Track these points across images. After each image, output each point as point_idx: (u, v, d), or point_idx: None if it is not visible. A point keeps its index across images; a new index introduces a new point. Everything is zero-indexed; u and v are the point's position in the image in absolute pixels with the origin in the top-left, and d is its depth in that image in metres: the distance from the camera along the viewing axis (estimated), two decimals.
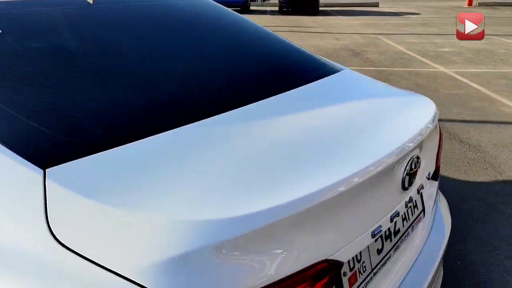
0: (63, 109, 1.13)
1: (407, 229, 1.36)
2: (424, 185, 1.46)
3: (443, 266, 1.81)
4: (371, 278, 1.18)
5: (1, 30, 1.32)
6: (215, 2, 2.14)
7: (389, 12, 19.94)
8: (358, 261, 1.13)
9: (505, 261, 2.53)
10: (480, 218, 2.97)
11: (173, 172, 0.97)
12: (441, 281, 1.66)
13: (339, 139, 1.24)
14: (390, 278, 1.27)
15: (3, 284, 0.82)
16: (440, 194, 1.91)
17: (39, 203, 0.85)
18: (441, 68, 7.91)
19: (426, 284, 1.34)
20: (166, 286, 0.76)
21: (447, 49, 9.86)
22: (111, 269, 0.78)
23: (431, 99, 1.68)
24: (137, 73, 1.39)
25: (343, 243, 1.04)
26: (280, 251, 0.89)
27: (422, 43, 10.87)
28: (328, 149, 1.16)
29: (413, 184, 1.29)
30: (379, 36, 12.16)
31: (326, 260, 0.96)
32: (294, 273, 0.89)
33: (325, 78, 1.69)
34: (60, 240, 0.82)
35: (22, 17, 1.46)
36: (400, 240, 1.33)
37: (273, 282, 0.86)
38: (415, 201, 1.42)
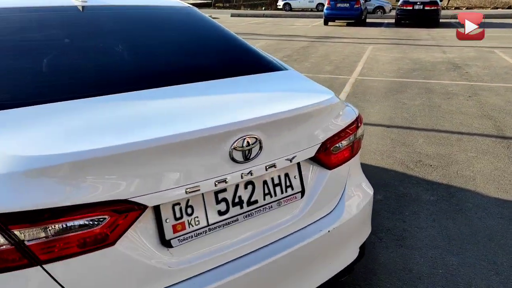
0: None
1: (264, 198, 1.52)
2: (295, 169, 1.60)
3: None
4: (205, 232, 1.39)
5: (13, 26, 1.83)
6: (195, 10, 2.45)
7: None
8: (188, 215, 1.36)
9: None
10: None
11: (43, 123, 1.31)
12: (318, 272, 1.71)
13: (207, 108, 1.50)
14: (235, 239, 1.44)
15: None
16: (364, 190, 1.96)
17: None
18: None
19: (275, 258, 1.49)
20: None
21: None
22: None
23: None
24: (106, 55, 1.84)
25: (150, 190, 1.25)
26: (86, 184, 1.17)
27: None
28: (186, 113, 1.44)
29: (251, 161, 1.42)
30: (495, 50, 11.18)
31: (126, 201, 1.22)
32: (93, 202, 1.17)
33: (255, 74, 1.92)
34: None
35: (34, 16, 1.97)
36: (256, 210, 1.50)
37: (75, 205, 1.15)
38: (285, 180, 1.56)
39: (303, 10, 31.66)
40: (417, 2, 18.32)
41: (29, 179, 1.11)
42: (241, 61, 2.09)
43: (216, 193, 1.41)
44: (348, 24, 20.47)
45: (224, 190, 1.42)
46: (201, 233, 1.38)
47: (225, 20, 23.34)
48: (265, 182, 1.53)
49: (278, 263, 1.52)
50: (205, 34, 2.26)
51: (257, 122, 1.40)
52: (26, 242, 1.11)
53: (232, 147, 1.36)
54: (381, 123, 5.29)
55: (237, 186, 1.45)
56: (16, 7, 1.94)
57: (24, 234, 1.11)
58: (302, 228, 1.63)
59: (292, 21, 22.99)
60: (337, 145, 1.72)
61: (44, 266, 1.13)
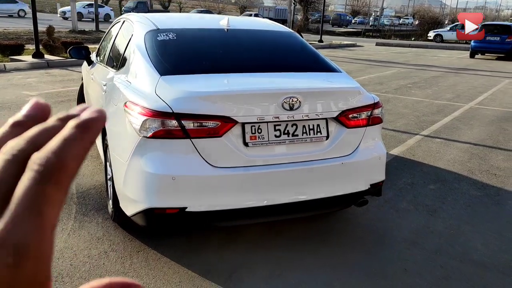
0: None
1: (303, 134, 2.73)
2: (324, 122, 2.74)
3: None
4: (266, 143, 2.67)
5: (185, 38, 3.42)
6: (296, 34, 3.76)
7: None
8: (259, 132, 2.65)
9: None
10: None
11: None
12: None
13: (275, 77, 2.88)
14: (282, 152, 2.68)
15: None
16: (377, 148, 3.02)
17: None
18: None
19: (304, 168, 2.69)
20: None
21: None
22: None
23: None
24: (234, 54, 3.32)
25: (240, 114, 2.55)
26: (215, 106, 2.60)
27: None
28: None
29: (295, 110, 2.62)
30: None
31: (229, 118, 2.56)
32: (214, 115, 2.56)
33: (315, 72, 3.19)
34: None
35: (196, 33, 3.53)
36: (297, 139, 2.71)
37: (207, 115, 2.57)
38: (317, 128, 2.74)
39: (457, 42, 30.60)
40: None
41: (192, 99, 2.55)
42: (310, 64, 3.35)
43: (275, 125, 2.70)
44: (499, 58, 19.72)
45: (279, 124, 2.70)
46: (264, 143, 2.68)
47: (368, 48, 24.25)
48: (303, 126, 2.76)
49: (305, 172, 2.73)
50: (294, 47, 3.58)
51: (298, 90, 2.67)
52: (185, 127, 2.55)
53: (283, 101, 2.64)
54: (469, 141, 5.92)
55: (286, 124, 2.72)
56: (194, 28, 3.56)
57: (186, 123, 2.54)
58: (326, 159, 2.81)
59: (436, 52, 22.87)
60: (354, 115, 2.87)
61: (192, 139, 2.56)
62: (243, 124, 2.61)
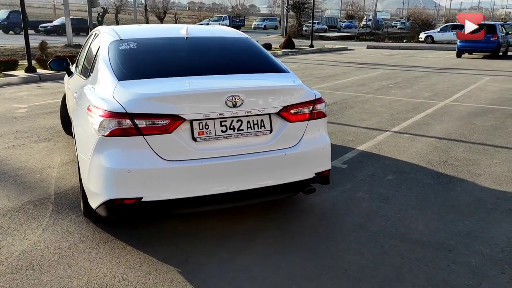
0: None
1: (247, 128, 3.00)
2: (267, 118, 3.01)
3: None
4: (214, 138, 2.95)
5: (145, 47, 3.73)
6: (250, 40, 4.06)
7: None
8: (206, 128, 2.93)
9: None
10: None
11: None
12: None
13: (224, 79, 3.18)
14: (229, 145, 2.93)
15: None
16: (321, 140, 3.30)
17: None
18: None
19: (249, 159, 2.96)
20: None
21: None
22: None
23: None
24: (189, 59, 3.61)
25: (188, 112, 2.82)
26: (163, 105, 2.88)
27: None
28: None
29: (238, 107, 2.88)
30: None
31: (177, 116, 2.86)
32: (163, 113, 2.84)
33: (264, 73, 3.49)
34: None
35: (156, 42, 3.83)
36: (242, 133, 2.98)
37: (157, 114, 2.87)
38: (261, 123, 3.01)
39: (449, 43, 30.92)
40: None
41: (144, 100, 2.85)
42: (259, 66, 3.64)
43: (221, 121, 2.98)
44: (485, 57, 20.05)
45: (225, 120, 2.99)
46: (211, 138, 2.95)
47: (359, 51, 24.62)
48: (248, 121, 3.04)
49: (251, 163, 3.02)
50: (246, 51, 3.87)
51: (240, 89, 2.97)
52: (138, 125, 2.84)
53: (227, 99, 2.94)
54: (435, 136, 6.21)
55: (232, 120, 3.01)
56: (155, 37, 3.88)
57: (138, 122, 2.83)
58: (270, 150, 3.09)
59: (425, 53, 23.22)
60: (296, 110, 3.16)
61: (144, 136, 2.85)
62: (191, 121, 2.91)
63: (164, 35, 4.00)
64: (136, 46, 3.51)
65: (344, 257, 3.01)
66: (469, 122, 7.09)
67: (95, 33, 4.44)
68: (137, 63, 3.37)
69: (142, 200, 2.86)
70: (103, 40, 3.73)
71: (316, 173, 3.30)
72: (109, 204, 2.89)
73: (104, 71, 3.27)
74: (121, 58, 3.35)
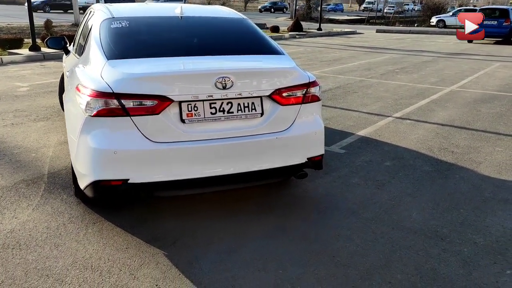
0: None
1: (238, 111, 2.94)
2: (259, 100, 2.94)
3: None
4: (203, 120, 2.88)
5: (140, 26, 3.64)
6: (247, 21, 3.95)
7: None
8: (195, 110, 2.87)
9: None
10: None
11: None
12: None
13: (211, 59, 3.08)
14: (218, 128, 2.87)
15: None
16: (315, 124, 3.22)
17: None
18: None
19: (240, 142, 2.90)
20: None
21: None
22: None
23: None
24: (181, 39, 3.52)
25: (177, 93, 2.74)
26: (151, 85, 2.82)
27: None
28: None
29: (228, 89, 2.82)
30: None
31: (165, 97, 2.80)
32: (152, 94, 2.79)
33: (260, 55, 3.39)
34: None
35: (149, 21, 3.74)
36: (232, 116, 2.91)
37: (145, 94, 2.80)
38: (251, 105, 2.95)
39: (461, 27, 30.25)
40: None
41: (131, 80, 2.79)
42: (253, 47, 3.54)
43: (210, 103, 2.92)
44: (497, 42, 19.66)
45: (214, 102, 2.92)
46: (200, 120, 2.89)
47: (368, 35, 24.23)
48: (238, 104, 2.97)
49: (240, 146, 2.95)
50: (241, 32, 3.77)
51: (230, 71, 2.89)
52: (125, 106, 2.78)
53: (216, 80, 2.86)
54: (438, 122, 6.09)
55: (222, 102, 2.94)
56: (148, 16, 3.79)
57: (125, 102, 2.78)
58: (261, 134, 3.02)
59: (435, 38, 22.81)
60: (288, 93, 3.08)
61: (131, 117, 2.79)
62: (180, 103, 2.84)
63: (158, 14, 3.90)
64: (128, 25, 3.43)
65: (334, 243, 2.96)
66: (474, 108, 6.95)
67: (91, 11, 4.36)
68: (127, 42, 3.30)
69: (129, 181, 2.81)
70: (96, 18, 3.66)
71: (308, 158, 3.23)
72: (95, 185, 2.86)
73: (94, 49, 3.20)
74: (112, 37, 3.27)
